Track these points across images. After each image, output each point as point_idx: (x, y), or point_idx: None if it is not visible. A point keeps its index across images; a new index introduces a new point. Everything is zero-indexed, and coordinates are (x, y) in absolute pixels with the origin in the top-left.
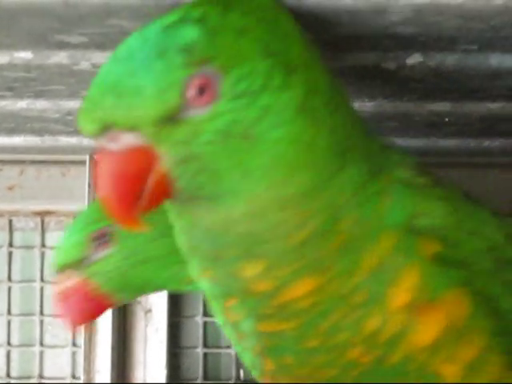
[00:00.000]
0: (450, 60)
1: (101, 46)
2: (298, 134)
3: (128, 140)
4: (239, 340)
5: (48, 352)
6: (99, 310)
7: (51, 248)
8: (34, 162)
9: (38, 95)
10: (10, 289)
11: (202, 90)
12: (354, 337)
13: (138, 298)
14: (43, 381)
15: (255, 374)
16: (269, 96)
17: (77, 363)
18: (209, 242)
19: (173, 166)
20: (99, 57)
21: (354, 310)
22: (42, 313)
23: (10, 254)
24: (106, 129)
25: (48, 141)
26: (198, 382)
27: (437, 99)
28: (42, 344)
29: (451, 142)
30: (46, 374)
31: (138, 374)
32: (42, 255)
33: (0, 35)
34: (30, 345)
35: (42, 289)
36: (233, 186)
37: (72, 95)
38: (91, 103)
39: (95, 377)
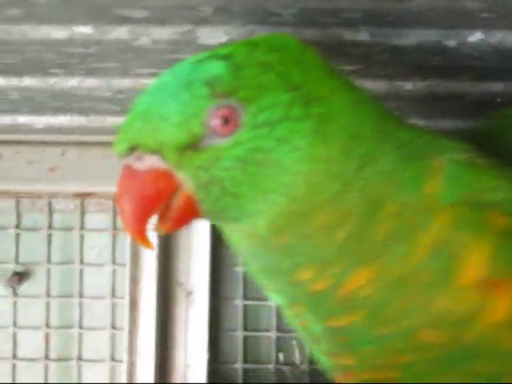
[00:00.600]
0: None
1: (162, 20)
2: (315, 154)
3: (151, 162)
4: (316, 344)
5: (87, 334)
6: None
7: (90, 230)
8: (75, 144)
9: (90, 73)
10: (49, 271)
11: (226, 121)
12: (425, 318)
13: (180, 280)
14: (81, 363)
15: (336, 377)
16: (288, 126)
17: (115, 345)
18: (256, 259)
19: (196, 189)
20: (160, 32)
21: (420, 292)
22: (81, 295)
23: (50, 236)
24: (133, 149)
25: (94, 121)
26: (238, 364)
27: (493, 79)
28: (80, 326)
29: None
30: (85, 356)
31: (179, 355)
32: (82, 237)
33: (61, 9)
34: (69, 327)
35: (81, 271)
36: (254, 207)
37: (125, 73)
38: (124, 127)
39: (137, 358)
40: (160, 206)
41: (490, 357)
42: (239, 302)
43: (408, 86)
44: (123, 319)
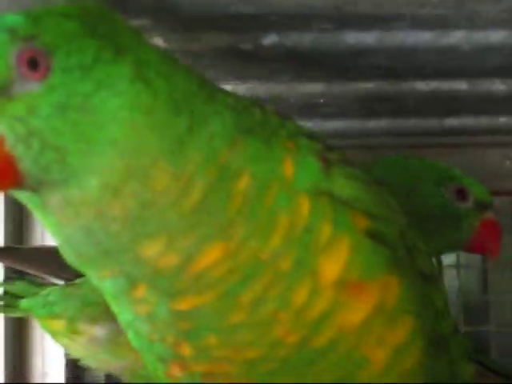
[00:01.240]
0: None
1: None
2: (137, 101)
3: None
4: (152, 333)
5: None
6: None
7: None
8: None
9: None
10: None
11: (32, 64)
12: (281, 311)
13: None
14: None
15: (160, 369)
16: (101, 70)
17: None
18: (87, 239)
19: (14, 144)
20: None
21: (275, 281)
22: None
23: None
24: None
25: None
26: None
27: (310, 80)
28: None
29: (333, 124)
30: None
31: None
32: None
33: None
34: None
35: None
36: (81, 162)
37: None
38: None
39: None
40: None
41: (341, 365)
42: None
43: (228, 87)
44: None
